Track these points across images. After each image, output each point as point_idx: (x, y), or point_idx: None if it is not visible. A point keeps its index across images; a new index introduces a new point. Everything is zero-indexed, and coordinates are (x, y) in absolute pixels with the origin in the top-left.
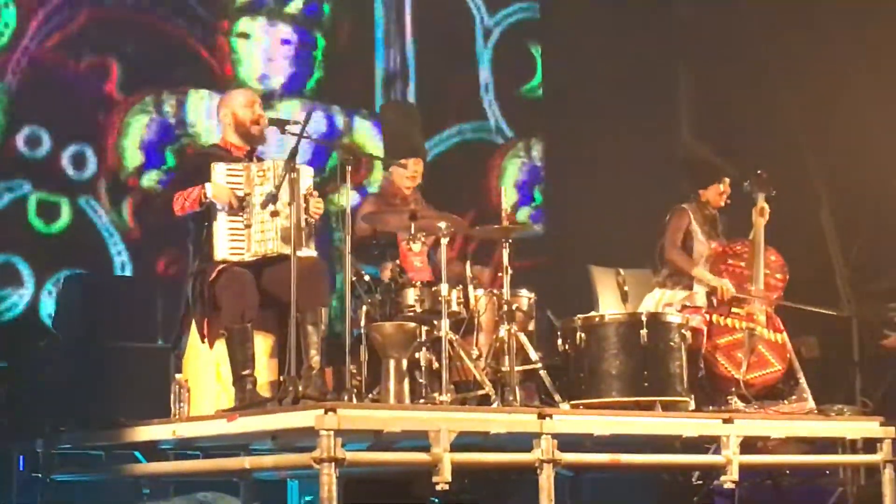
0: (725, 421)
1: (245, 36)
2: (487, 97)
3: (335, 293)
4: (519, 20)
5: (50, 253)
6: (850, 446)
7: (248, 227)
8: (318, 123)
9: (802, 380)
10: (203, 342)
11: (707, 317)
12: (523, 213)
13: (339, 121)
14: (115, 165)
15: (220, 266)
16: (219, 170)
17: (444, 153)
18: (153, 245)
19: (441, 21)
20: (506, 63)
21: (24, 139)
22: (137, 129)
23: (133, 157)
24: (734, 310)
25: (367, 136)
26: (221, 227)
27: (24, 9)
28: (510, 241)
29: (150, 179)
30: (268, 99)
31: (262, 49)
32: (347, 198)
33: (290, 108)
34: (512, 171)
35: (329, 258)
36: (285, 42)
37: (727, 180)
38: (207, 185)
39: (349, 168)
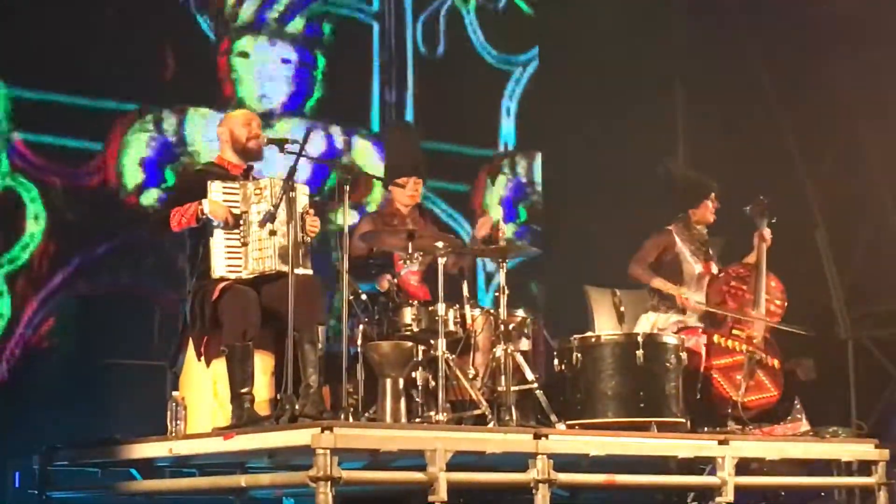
0: (721, 442)
1: (245, 55)
2: None
3: (333, 312)
4: None
5: None
6: (845, 468)
7: (244, 244)
8: (317, 143)
9: (797, 401)
10: (200, 360)
11: (705, 337)
12: (507, 230)
13: (339, 140)
14: (115, 183)
15: (222, 284)
16: (215, 188)
17: None
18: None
19: None
20: None
21: None
22: (137, 147)
23: (133, 175)
24: (734, 332)
25: (366, 155)
26: (218, 244)
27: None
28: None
29: (149, 198)
30: (267, 118)
31: (261, 68)
32: (346, 217)
33: (290, 128)
34: (497, 188)
35: (329, 277)
36: (285, 61)
37: (713, 195)
38: (204, 200)
39: (347, 188)
